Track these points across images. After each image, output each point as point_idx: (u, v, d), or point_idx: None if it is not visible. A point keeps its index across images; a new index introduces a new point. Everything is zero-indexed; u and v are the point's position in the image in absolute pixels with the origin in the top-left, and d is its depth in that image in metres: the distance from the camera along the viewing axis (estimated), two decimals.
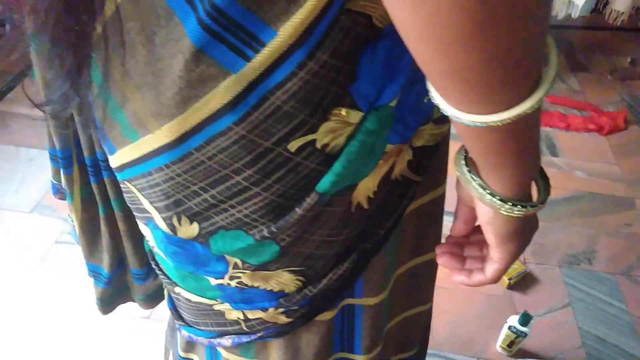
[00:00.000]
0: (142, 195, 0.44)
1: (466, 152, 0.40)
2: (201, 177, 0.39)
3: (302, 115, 0.35)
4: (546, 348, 1.30)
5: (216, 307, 0.54)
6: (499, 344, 1.27)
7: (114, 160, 0.44)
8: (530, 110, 0.30)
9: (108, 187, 0.57)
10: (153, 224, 0.46)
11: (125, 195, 0.50)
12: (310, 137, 0.37)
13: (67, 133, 0.54)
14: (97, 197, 0.60)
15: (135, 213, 0.50)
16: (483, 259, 0.48)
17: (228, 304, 0.53)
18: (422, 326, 0.75)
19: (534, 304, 1.38)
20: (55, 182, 0.73)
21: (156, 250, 0.52)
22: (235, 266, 0.47)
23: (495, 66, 0.27)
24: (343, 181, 0.40)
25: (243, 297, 0.51)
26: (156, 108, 0.35)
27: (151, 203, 0.44)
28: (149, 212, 0.45)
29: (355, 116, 0.38)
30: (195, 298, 0.54)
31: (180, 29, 0.31)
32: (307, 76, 0.33)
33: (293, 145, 0.37)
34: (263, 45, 0.31)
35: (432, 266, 0.66)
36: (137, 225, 0.59)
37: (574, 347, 1.31)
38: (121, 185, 0.48)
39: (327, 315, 0.56)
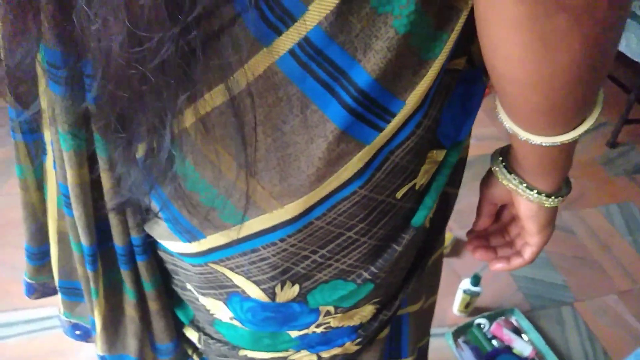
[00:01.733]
0: (236, 272, 0.44)
1: (503, 160, 0.47)
2: (315, 242, 0.41)
3: (412, 166, 0.39)
4: (492, 299, 1.47)
5: (290, 357, 0.55)
6: (457, 308, 1.40)
7: (196, 246, 0.44)
8: (592, 127, 0.38)
9: (143, 270, 0.55)
10: (240, 297, 0.47)
11: (190, 274, 0.49)
12: (413, 182, 0.41)
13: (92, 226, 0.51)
14: (128, 284, 0.57)
15: (204, 291, 0.49)
16: (510, 244, 0.55)
17: (305, 350, 0.54)
18: (432, 314, 0.82)
19: (471, 265, 1.55)
20: (33, 281, 0.66)
21: (229, 321, 0.51)
22: (327, 313, 0.49)
23: (589, 98, 0.34)
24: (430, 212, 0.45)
25: (323, 339, 0.53)
26: (280, 190, 0.37)
27: (248, 278, 0.44)
28: (237, 287, 0.46)
29: (441, 154, 0.42)
30: (265, 355, 0.55)
31: (319, 115, 0.33)
32: (422, 132, 0.37)
33: (399, 193, 0.41)
34: (393, 115, 0.35)
35: (440, 258, 0.73)
36: (169, 300, 0.58)
37: (512, 291, 1.50)
38: (193, 268, 0.47)
39: (385, 332, 0.60)
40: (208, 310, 0.53)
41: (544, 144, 0.38)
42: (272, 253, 0.41)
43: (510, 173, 0.46)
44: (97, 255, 0.53)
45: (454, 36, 0.34)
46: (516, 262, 0.54)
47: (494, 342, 1.33)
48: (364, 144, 0.35)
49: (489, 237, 0.57)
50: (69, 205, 0.49)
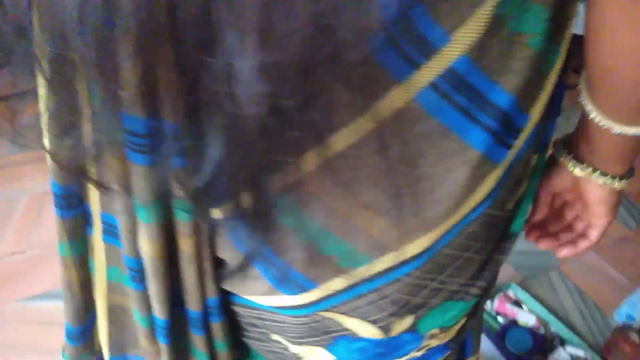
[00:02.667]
0: (349, 316, 0.42)
1: (569, 151, 0.48)
2: (437, 270, 0.40)
3: (522, 175, 0.39)
4: None
5: None
6: None
7: (305, 297, 0.41)
8: None
9: (218, 331, 0.51)
10: (349, 339, 0.45)
11: (285, 326, 0.46)
12: (519, 191, 0.41)
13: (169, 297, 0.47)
14: (199, 348, 0.53)
15: (302, 340, 0.47)
16: (569, 228, 0.57)
17: None
18: None
19: None
20: None
21: None
22: (431, 336, 0.48)
23: None
24: None
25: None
26: (412, 225, 0.36)
27: (364, 319, 0.42)
28: (347, 330, 0.44)
29: (535, 159, 0.43)
30: None
31: (459, 143, 0.32)
32: (534, 142, 0.37)
33: (510, 204, 0.40)
34: (521, 131, 0.34)
35: None
36: (240, 353, 0.55)
37: (502, 267, 1.55)
38: (293, 319, 0.45)
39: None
40: (299, 358, 0.51)
41: (636, 134, 0.39)
42: (394, 290, 0.40)
43: (582, 163, 0.47)
44: (171, 327, 0.49)
45: (565, 46, 0.34)
46: (583, 244, 0.56)
47: (499, 318, 1.38)
48: (498, 164, 0.35)
49: (546, 225, 0.59)
50: (138, 279, 0.45)
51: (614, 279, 1.48)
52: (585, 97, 0.40)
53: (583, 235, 0.56)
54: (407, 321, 0.44)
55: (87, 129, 0.38)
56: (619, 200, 0.51)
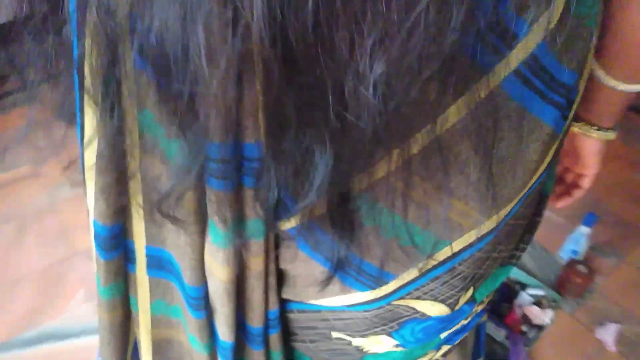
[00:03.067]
0: (422, 299, 0.44)
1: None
2: (499, 240, 0.43)
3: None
4: None
5: (435, 358, 0.57)
6: None
7: (382, 290, 0.43)
8: None
9: (275, 341, 0.51)
10: (417, 321, 0.47)
11: (349, 322, 0.48)
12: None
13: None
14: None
15: (368, 331, 0.49)
16: (560, 181, 0.63)
17: (445, 345, 0.57)
18: None
19: None
20: None
21: (386, 350, 0.51)
22: (481, 303, 0.51)
23: None
24: None
25: (463, 329, 0.56)
26: (491, 204, 0.38)
27: (435, 299, 0.45)
28: (418, 313, 0.46)
29: None
30: None
31: (535, 122, 0.36)
32: None
33: (551, 168, 0.45)
34: (574, 103, 0.38)
35: None
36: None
37: None
38: (362, 313, 0.46)
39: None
40: (361, 349, 0.52)
41: (636, 90, 0.45)
42: (465, 267, 0.42)
43: (578, 121, 0.53)
44: (235, 349, 0.48)
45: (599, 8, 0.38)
46: (577, 193, 0.62)
47: None
48: (559, 136, 0.38)
49: None
50: (201, 307, 0.44)
51: (554, 221, 1.63)
52: (594, 61, 0.45)
53: (574, 185, 0.63)
54: (469, 293, 0.47)
55: (157, 167, 0.37)
56: (605, 150, 0.58)
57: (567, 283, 1.41)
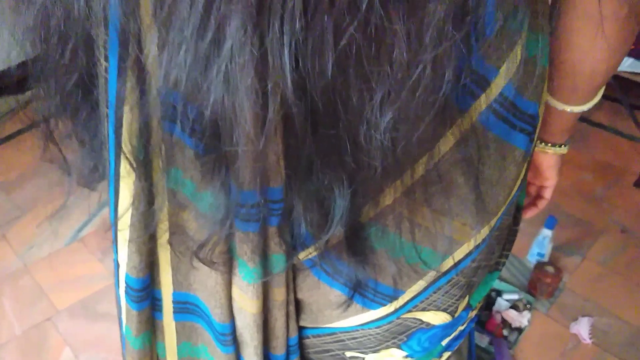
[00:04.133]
0: (427, 310, 0.50)
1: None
2: (489, 249, 0.49)
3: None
4: None
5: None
6: None
7: (393, 305, 0.48)
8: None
9: None
10: (423, 331, 0.52)
11: (362, 340, 0.52)
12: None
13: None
14: None
15: (379, 346, 0.53)
16: (526, 194, 0.71)
17: (446, 352, 0.62)
18: None
19: None
20: None
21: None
22: (475, 308, 0.57)
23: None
24: None
25: (461, 335, 0.61)
26: (478, 219, 0.44)
27: (438, 309, 0.50)
28: (423, 323, 0.51)
29: None
30: None
31: (509, 147, 0.42)
32: None
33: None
34: (537, 126, 0.45)
35: None
36: None
37: None
38: (375, 330, 0.51)
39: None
40: None
41: (582, 110, 0.53)
42: (462, 276, 0.48)
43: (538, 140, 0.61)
44: None
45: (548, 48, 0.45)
46: (542, 203, 0.70)
47: None
48: (528, 155, 0.45)
49: None
50: (230, 342, 0.48)
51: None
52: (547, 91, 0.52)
53: (538, 196, 0.70)
54: (465, 300, 0.52)
55: (186, 219, 0.41)
56: (561, 164, 0.66)
57: (538, 284, 1.50)
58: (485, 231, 0.46)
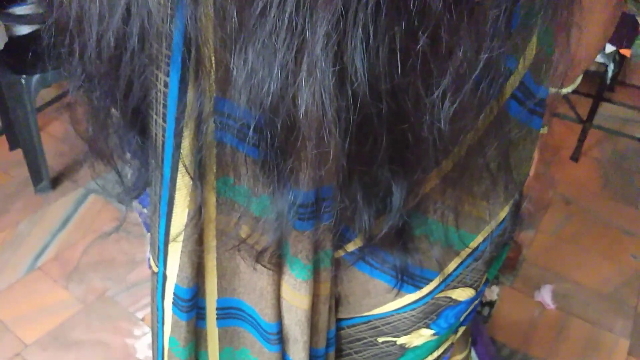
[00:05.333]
0: (458, 288, 0.53)
1: None
2: (506, 226, 0.53)
3: None
4: None
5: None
6: None
7: (429, 287, 0.51)
8: None
9: (331, 359, 0.57)
10: (451, 308, 0.56)
11: (395, 324, 0.55)
12: None
13: None
14: None
15: (411, 329, 0.56)
16: None
17: (462, 327, 0.66)
18: None
19: None
20: None
21: (425, 341, 0.59)
22: (487, 282, 0.62)
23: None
24: None
25: (473, 310, 0.66)
26: (503, 197, 0.48)
27: (466, 286, 0.54)
28: (452, 300, 0.55)
29: None
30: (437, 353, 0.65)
31: (527, 128, 0.46)
32: None
33: None
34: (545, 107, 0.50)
35: None
36: None
37: None
38: (408, 313, 0.54)
39: None
40: (403, 346, 0.60)
41: (567, 92, 0.59)
42: (487, 251, 0.52)
43: None
44: None
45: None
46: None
47: None
48: (538, 131, 0.50)
49: None
50: (278, 341, 0.50)
51: None
52: None
53: None
54: (485, 275, 0.57)
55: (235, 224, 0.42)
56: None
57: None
58: (507, 208, 0.50)
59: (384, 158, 0.37)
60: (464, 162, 0.44)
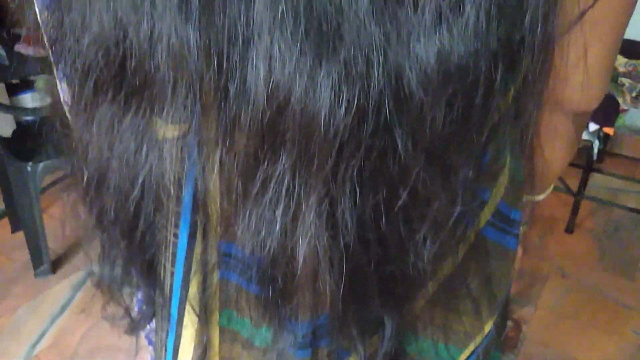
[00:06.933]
0: None
1: None
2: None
3: None
4: None
5: None
6: None
7: None
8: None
9: None
10: None
11: None
12: None
13: None
14: None
15: None
16: None
17: None
18: None
19: None
20: None
21: None
22: None
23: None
24: None
25: None
26: (490, 311, 0.51)
27: None
28: None
29: None
30: None
31: (505, 250, 0.50)
32: None
33: None
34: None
35: None
36: None
37: None
38: None
39: None
40: None
41: (538, 199, 0.63)
42: None
43: None
44: None
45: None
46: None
47: None
48: (515, 251, 0.53)
49: None
50: None
51: None
52: None
53: None
54: None
55: (238, 353, 0.45)
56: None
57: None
58: (492, 321, 0.53)
59: (374, 294, 0.40)
60: (447, 284, 0.47)
